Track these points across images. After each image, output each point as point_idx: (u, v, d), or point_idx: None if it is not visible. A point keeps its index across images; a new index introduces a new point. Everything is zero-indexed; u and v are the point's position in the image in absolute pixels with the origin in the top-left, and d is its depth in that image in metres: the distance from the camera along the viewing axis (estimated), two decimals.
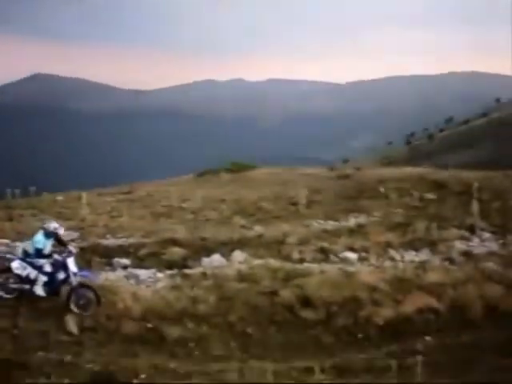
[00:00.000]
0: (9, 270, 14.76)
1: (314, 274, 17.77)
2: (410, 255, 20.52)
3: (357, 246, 20.71)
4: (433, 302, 16.36)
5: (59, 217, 24.91)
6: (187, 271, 18.30)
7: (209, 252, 19.82)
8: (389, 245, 21.06)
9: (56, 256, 14.76)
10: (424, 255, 20.47)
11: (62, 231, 15.25)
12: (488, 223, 23.05)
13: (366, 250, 20.50)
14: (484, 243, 21.62)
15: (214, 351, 13.97)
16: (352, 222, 23.86)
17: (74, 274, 14.60)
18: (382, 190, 28.97)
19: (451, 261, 19.77)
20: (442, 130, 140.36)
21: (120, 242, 20.20)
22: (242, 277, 17.58)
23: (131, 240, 21.45)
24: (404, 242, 21.32)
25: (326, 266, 18.97)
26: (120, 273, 18.18)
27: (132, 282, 17.27)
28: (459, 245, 21.15)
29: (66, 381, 9.92)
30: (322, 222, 24.03)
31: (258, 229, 22.78)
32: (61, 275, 14.63)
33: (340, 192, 29.36)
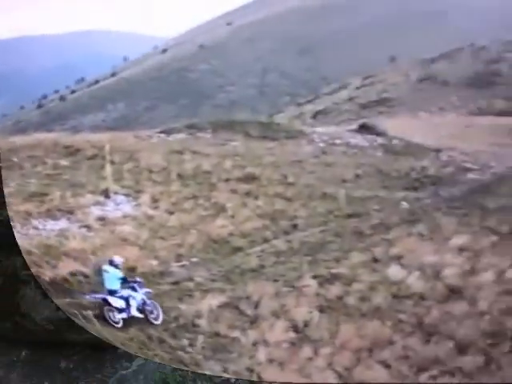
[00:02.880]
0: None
1: None
2: (50, 224, 20.96)
3: None
4: (80, 266, 17.33)
5: None
6: None
7: None
8: (29, 215, 21.17)
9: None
10: (63, 223, 21.06)
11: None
12: (121, 186, 24.21)
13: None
14: (118, 206, 22.87)
15: None
16: None
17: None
18: (15, 159, 28.38)
19: (89, 227, 20.76)
20: (73, 92, 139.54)
21: None
22: None
23: None
24: (42, 212, 21.57)
25: None
26: None
27: None
28: (95, 210, 22.10)
29: None
30: None
31: None
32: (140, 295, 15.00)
33: None
